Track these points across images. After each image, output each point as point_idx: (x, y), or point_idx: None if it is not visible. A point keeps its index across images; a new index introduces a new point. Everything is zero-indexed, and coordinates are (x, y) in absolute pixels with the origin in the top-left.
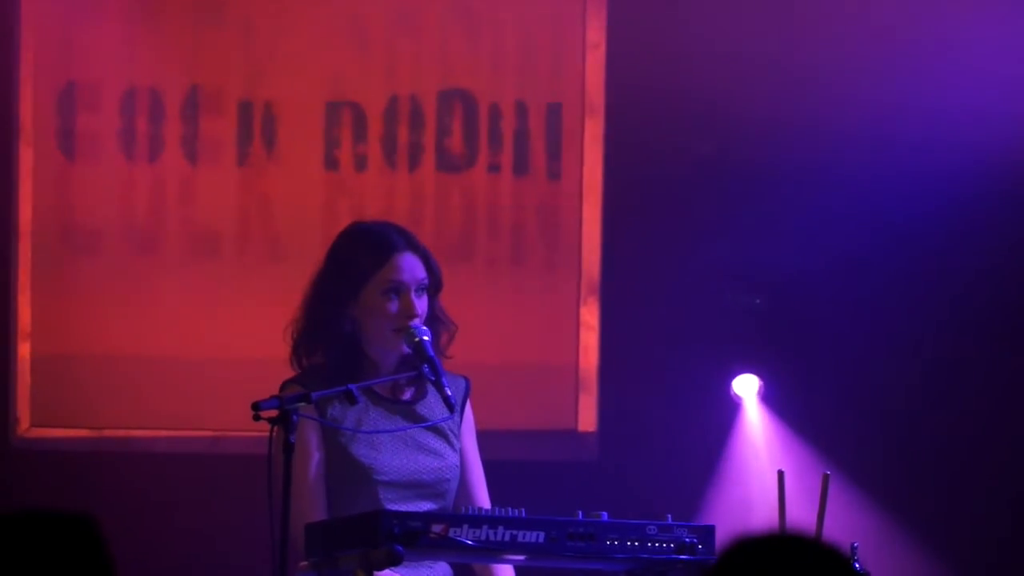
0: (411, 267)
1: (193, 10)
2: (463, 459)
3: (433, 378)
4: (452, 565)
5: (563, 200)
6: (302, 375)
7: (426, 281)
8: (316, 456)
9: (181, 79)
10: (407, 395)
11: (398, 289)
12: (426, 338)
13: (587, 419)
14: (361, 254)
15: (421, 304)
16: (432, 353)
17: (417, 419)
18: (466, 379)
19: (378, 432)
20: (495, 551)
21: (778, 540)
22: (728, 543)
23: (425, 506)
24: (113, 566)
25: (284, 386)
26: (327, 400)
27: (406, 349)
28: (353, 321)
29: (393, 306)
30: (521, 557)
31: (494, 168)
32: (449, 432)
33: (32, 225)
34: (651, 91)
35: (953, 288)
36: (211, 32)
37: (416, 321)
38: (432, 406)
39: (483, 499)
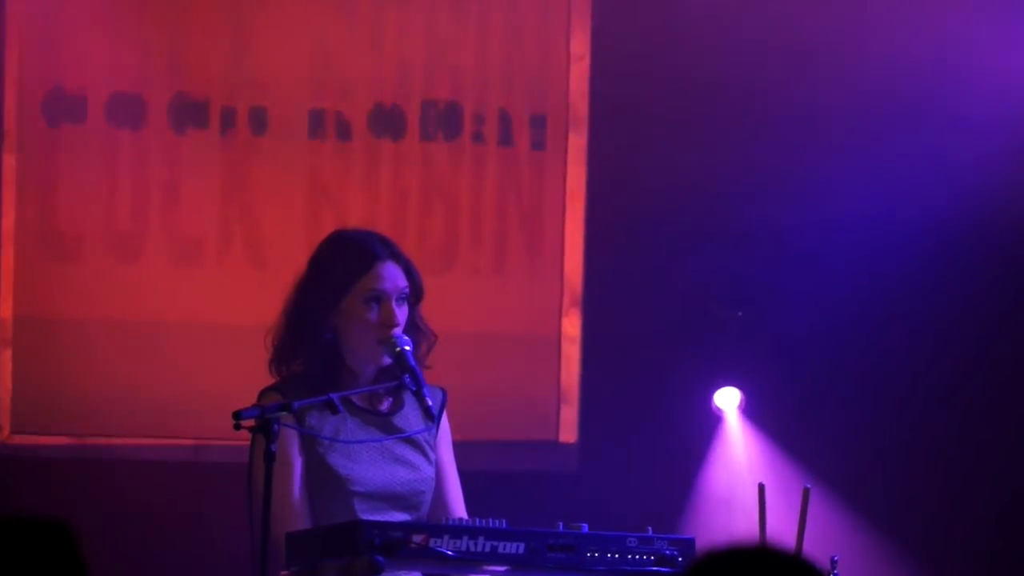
0: (393, 276)
1: (178, 15)
2: (440, 470)
3: (414, 388)
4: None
5: (546, 210)
6: (281, 383)
7: (407, 290)
8: (295, 464)
9: (166, 84)
10: (384, 406)
11: (379, 298)
12: (407, 348)
13: (568, 430)
14: (343, 262)
15: (402, 313)
16: (414, 363)
17: (394, 431)
18: (443, 390)
19: (356, 442)
20: (475, 562)
21: (742, 553)
22: (694, 557)
23: (399, 517)
24: (86, 572)
25: (263, 394)
26: (306, 409)
27: (387, 359)
28: (334, 329)
29: (374, 315)
30: (501, 568)
31: (477, 180)
32: (425, 444)
33: (15, 231)
34: (635, 102)
35: (938, 301)
36: (195, 38)
37: (397, 330)
38: (409, 418)
39: (460, 510)
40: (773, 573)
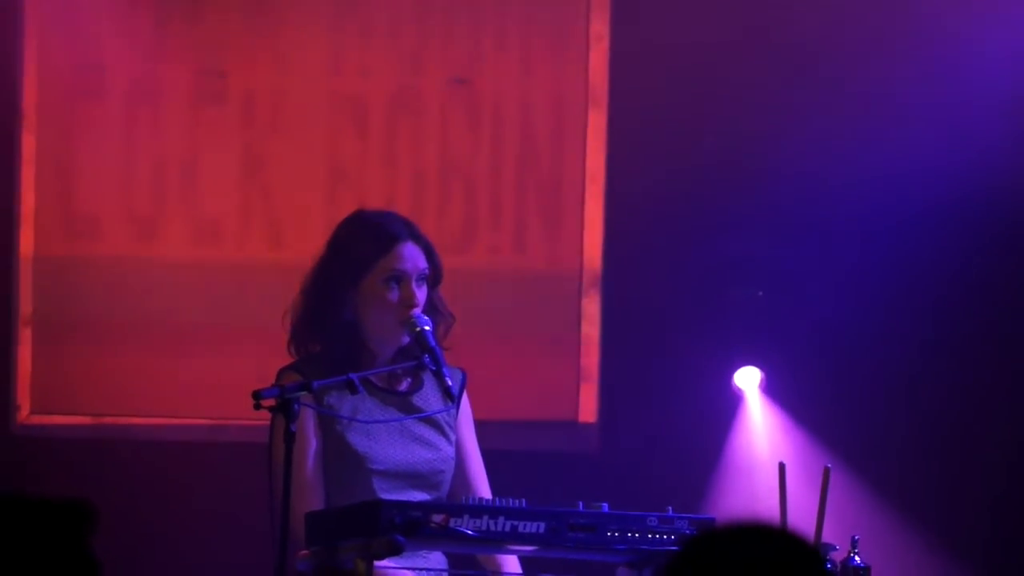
0: (413, 257)
1: None
2: (462, 450)
3: (434, 368)
4: (447, 554)
5: (565, 192)
6: (299, 362)
7: (427, 271)
8: (314, 444)
9: (185, 65)
10: (403, 386)
11: (400, 278)
12: (427, 328)
13: (588, 410)
14: (364, 242)
15: (421, 294)
16: (434, 343)
17: (413, 410)
18: (462, 371)
19: (375, 422)
20: (496, 541)
21: (740, 530)
22: (693, 535)
23: (419, 496)
24: (91, 553)
25: (281, 373)
26: (325, 388)
27: (406, 339)
28: (353, 309)
29: (394, 295)
30: (522, 547)
31: (496, 162)
32: (444, 424)
33: (34, 212)
34: (654, 84)
35: (956, 282)
36: (215, 18)
37: (417, 311)
38: (428, 397)
39: (484, 489)
40: (767, 550)
